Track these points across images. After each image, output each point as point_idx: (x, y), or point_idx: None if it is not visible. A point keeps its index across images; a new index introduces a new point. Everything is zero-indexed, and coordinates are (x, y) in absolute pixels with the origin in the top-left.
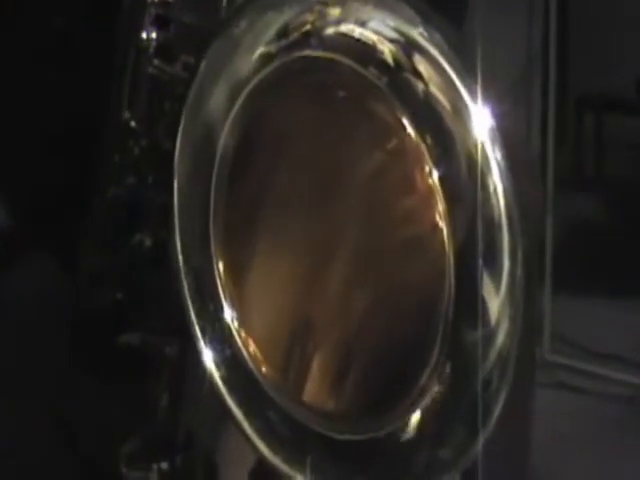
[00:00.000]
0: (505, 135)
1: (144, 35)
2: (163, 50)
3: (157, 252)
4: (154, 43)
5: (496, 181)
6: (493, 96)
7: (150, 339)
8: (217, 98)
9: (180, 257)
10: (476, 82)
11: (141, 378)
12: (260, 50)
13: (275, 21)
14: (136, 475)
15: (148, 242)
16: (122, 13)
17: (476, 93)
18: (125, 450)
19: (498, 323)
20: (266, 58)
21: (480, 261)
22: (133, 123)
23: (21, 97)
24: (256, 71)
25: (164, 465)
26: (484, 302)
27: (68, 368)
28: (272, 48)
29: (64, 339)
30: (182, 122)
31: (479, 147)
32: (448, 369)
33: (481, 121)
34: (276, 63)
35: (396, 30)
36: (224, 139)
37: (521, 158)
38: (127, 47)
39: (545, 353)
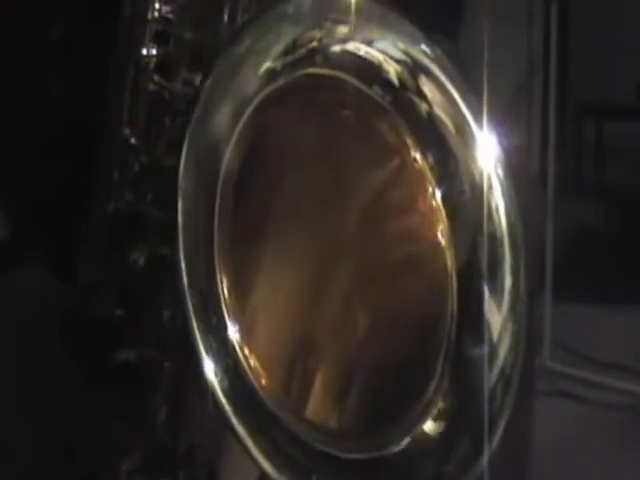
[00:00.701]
0: (508, 154)
1: (144, 51)
2: (163, 66)
3: (156, 268)
4: (154, 59)
5: (498, 199)
6: (498, 122)
7: (149, 353)
8: (222, 115)
9: (185, 276)
10: (482, 109)
11: (141, 392)
12: (266, 65)
13: (281, 37)
14: None
15: (146, 258)
16: (121, 29)
17: (482, 120)
18: (125, 466)
19: (500, 339)
20: (272, 74)
21: (483, 282)
22: (133, 140)
23: (20, 104)
24: (261, 88)
25: None
26: (486, 319)
27: (66, 381)
28: (278, 64)
29: (61, 351)
30: (186, 140)
31: (485, 176)
32: (451, 386)
33: (488, 149)
34: (281, 80)
35: (404, 52)
36: (229, 157)
37: (524, 174)
38: (126, 63)
39: (545, 361)
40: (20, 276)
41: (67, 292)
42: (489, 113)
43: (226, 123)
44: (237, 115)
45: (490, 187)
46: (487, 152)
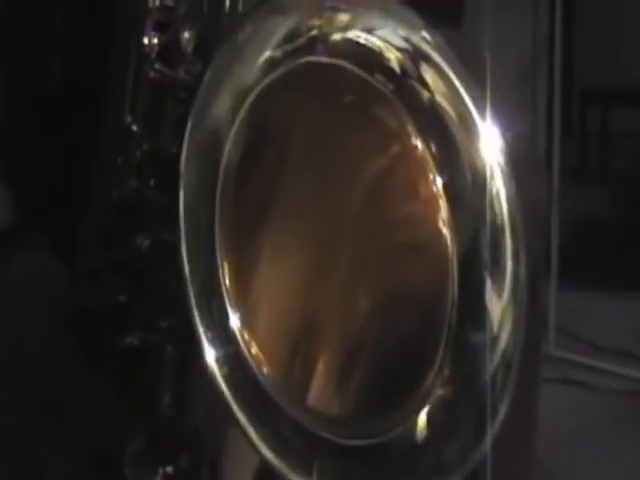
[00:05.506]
0: (510, 143)
1: (146, 40)
2: (165, 54)
3: (158, 253)
4: (156, 48)
5: (499, 186)
6: (501, 111)
7: (152, 338)
8: (222, 104)
9: (186, 263)
10: (484, 97)
11: (144, 378)
12: (266, 54)
13: (282, 26)
14: (141, 479)
15: (149, 243)
16: (123, 17)
17: (484, 109)
18: (129, 453)
19: (501, 325)
20: (271, 63)
21: (484, 269)
22: (135, 127)
23: (23, 88)
24: (261, 77)
25: (169, 469)
26: (487, 306)
27: (70, 366)
28: (278, 53)
29: (65, 336)
30: (188, 128)
31: (487, 164)
32: (452, 372)
33: (490, 138)
34: (281, 69)
35: (404, 39)
36: (230, 145)
37: (526, 159)
38: (128, 51)
39: (550, 348)
40: (23, 262)
41: (70, 278)
42: (492, 103)
43: (227, 112)
44: (238, 104)
45: (492, 175)
46: (489, 141)
